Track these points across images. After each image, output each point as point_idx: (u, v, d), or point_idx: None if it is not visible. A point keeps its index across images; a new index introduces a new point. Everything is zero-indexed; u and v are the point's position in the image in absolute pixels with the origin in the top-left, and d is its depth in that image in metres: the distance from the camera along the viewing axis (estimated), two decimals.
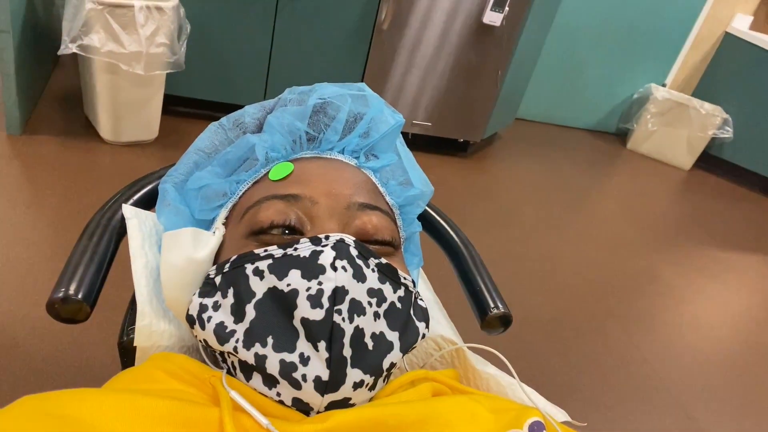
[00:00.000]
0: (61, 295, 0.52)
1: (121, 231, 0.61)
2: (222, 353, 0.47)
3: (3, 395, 1.17)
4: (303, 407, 0.44)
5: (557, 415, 0.54)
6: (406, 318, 0.48)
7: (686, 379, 1.77)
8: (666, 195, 3.17)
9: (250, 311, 0.44)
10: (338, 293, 0.43)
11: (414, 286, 0.52)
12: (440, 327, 0.66)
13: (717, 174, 3.54)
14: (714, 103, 3.39)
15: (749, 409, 1.72)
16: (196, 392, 0.44)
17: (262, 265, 0.45)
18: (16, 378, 1.22)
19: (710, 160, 3.53)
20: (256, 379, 0.44)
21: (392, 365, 0.46)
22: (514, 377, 0.54)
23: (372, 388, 0.46)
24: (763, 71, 3.24)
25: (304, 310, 0.42)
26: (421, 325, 0.50)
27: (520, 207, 2.54)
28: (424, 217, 0.80)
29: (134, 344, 0.51)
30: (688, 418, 1.61)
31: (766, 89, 3.24)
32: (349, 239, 0.46)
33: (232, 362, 0.46)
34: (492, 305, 0.69)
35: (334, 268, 0.44)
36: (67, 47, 1.79)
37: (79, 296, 0.52)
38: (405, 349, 0.47)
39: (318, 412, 0.44)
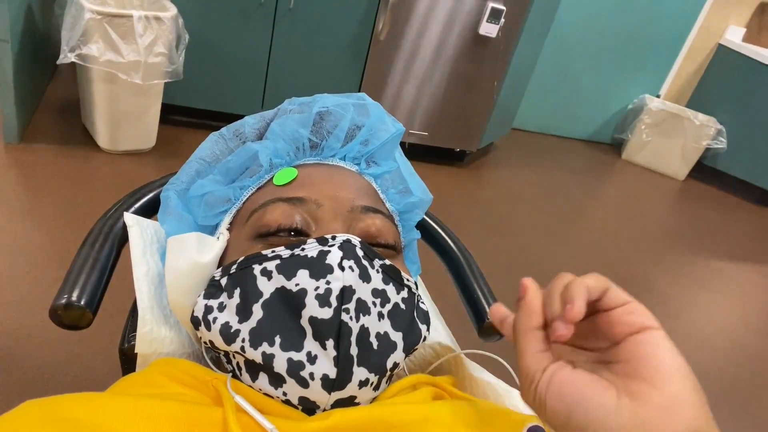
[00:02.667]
0: (63, 301, 0.52)
1: (123, 239, 0.62)
2: (227, 354, 0.48)
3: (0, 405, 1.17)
4: (309, 406, 0.44)
5: None
6: (409, 319, 0.49)
7: None
8: (661, 205, 3.19)
9: (257, 311, 0.45)
10: (346, 292, 0.44)
11: (416, 288, 0.53)
12: (438, 334, 0.66)
13: (711, 184, 3.57)
14: (708, 114, 3.42)
15: (744, 419, 1.72)
16: (199, 395, 0.45)
17: (270, 265, 0.46)
18: (12, 387, 1.22)
19: (704, 171, 3.55)
20: (263, 379, 0.45)
21: (395, 365, 0.47)
22: (516, 382, 0.54)
23: (376, 387, 0.47)
24: (756, 82, 3.28)
25: (312, 309, 0.43)
26: (423, 327, 0.51)
27: (516, 216, 2.56)
28: (421, 226, 0.80)
29: (135, 351, 0.51)
30: None
31: (759, 100, 3.27)
32: (355, 240, 0.47)
33: (238, 363, 0.47)
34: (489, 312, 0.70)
35: (342, 268, 0.44)
36: (66, 56, 1.80)
37: (82, 303, 0.53)
38: (407, 350, 0.48)
39: (323, 411, 0.44)
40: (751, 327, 2.23)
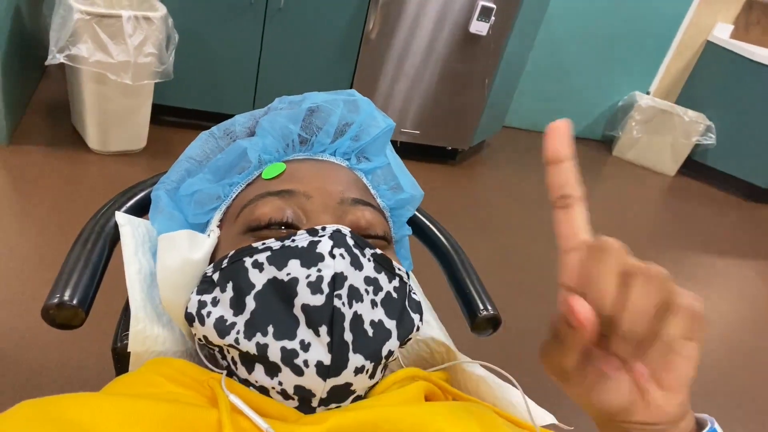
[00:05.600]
0: (56, 301, 0.52)
1: (115, 238, 0.62)
2: (221, 349, 0.48)
3: None
4: (305, 395, 0.44)
5: (545, 418, 0.54)
6: (401, 308, 0.49)
7: None
8: (651, 201, 3.21)
9: (250, 302, 0.45)
10: (337, 279, 0.44)
11: (408, 278, 0.53)
12: (431, 329, 0.67)
13: (701, 180, 3.59)
14: (697, 110, 3.45)
15: (737, 413, 1.74)
16: (195, 395, 0.45)
17: (261, 257, 0.46)
18: (6, 388, 1.21)
19: (694, 166, 3.58)
20: (258, 371, 0.45)
21: (390, 353, 0.47)
22: (516, 387, 0.54)
23: (372, 375, 0.47)
24: (744, 79, 3.31)
25: (304, 296, 0.43)
26: (415, 317, 0.51)
27: (508, 213, 2.56)
28: (414, 222, 0.81)
29: (128, 350, 0.51)
30: None
31: (747, 96, 3.30)
32: (345, 229, 0.47)
33: (232, 357, 0.47)
34: (481, 307, 0.71)
35: (333, 256, 0.45)
36: (55, 57, 1.79)
37: (74, 302, 0.52)
38: (402, 338, 0.48)
39: (320, 400, 0.45)
40: (741, 320, 2.25)
